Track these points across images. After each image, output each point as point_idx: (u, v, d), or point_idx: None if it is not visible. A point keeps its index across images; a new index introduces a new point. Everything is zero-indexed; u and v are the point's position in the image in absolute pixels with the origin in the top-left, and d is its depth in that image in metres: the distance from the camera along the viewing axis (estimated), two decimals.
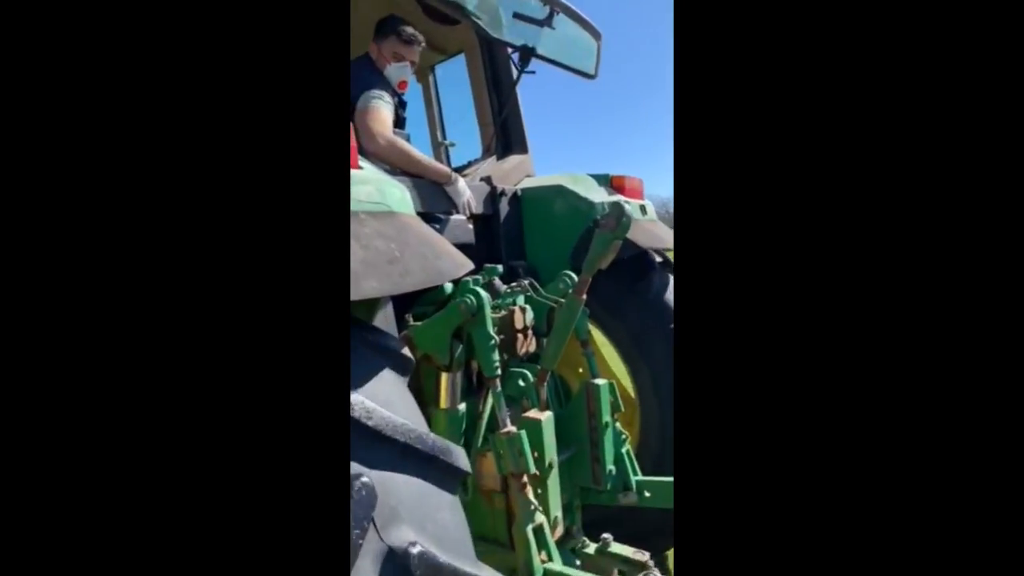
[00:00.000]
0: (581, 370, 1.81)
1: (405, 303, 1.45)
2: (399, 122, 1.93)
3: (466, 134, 2.53)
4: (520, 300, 1.55)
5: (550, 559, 1.23)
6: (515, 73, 2.14)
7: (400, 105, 1.94)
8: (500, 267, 1.59)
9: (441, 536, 0.76)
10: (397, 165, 1.70)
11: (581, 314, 1.47)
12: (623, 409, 1.56)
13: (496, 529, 1.41)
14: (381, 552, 0.67)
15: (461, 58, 2.42)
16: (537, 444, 1.31)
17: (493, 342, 1.27)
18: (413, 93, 2.74)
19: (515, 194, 2.02)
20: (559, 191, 1.96)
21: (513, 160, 2.22)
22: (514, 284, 1.56)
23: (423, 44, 1.94)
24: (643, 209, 2.03)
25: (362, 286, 0.78)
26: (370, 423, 0.73)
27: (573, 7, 1.98)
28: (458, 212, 1.79)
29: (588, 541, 1.53)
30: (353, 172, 0.95)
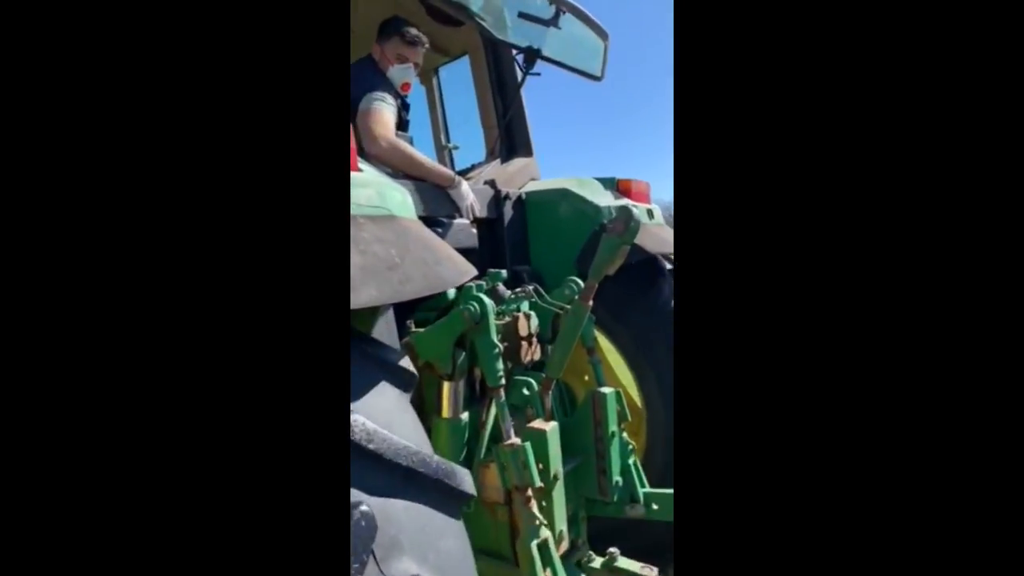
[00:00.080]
0: (587, 378, 1.77)
1: (406, 309, 1.42)
2: (402, 124, 1.91)
3: (470, 137, 2.50)
4: (524, 306, 1.52)
5: None
6: (519, 75, 2.11)
7: (403, 107, 1.91)
8: (504, 272, 1.56)
9: (444, 566, 0.72)
10: (399, 168, 1.67)
11: (587, 321, 1.44)
12: (630, 419, 1.53)
13: (499, 542, 1.36)
14: None
15: (465, 60, 2.39)
16: (542, 456, 1.27)
17: (497, 350, 1.23)
18: (417, 96, 2.73)
19: (519, 198, 1.99)
20: (564, 195, 1.93)
21: (517, 163, 2.19)
22: (518, 290, 1.53)
23: (427, 45, 1.92)
24: (650, 213, 1.99)
25: (360, 294, 0.74)
26: (370, 446, 0.69)
27: (580, 6, 1.94)
28: (461, 216, 1.76)
29: (594, 555, 1.49)
30: (352, 175, 0.91)
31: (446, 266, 0.94)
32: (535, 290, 1.51)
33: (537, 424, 1.32)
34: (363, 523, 0.62)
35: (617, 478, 1.49)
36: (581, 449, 1.50)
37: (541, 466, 1.26)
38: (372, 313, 0.98)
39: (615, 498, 1.48)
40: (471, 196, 1.77)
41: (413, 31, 1.87)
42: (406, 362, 0.89)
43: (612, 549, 1.43)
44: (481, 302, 1.23)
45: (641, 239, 1.45)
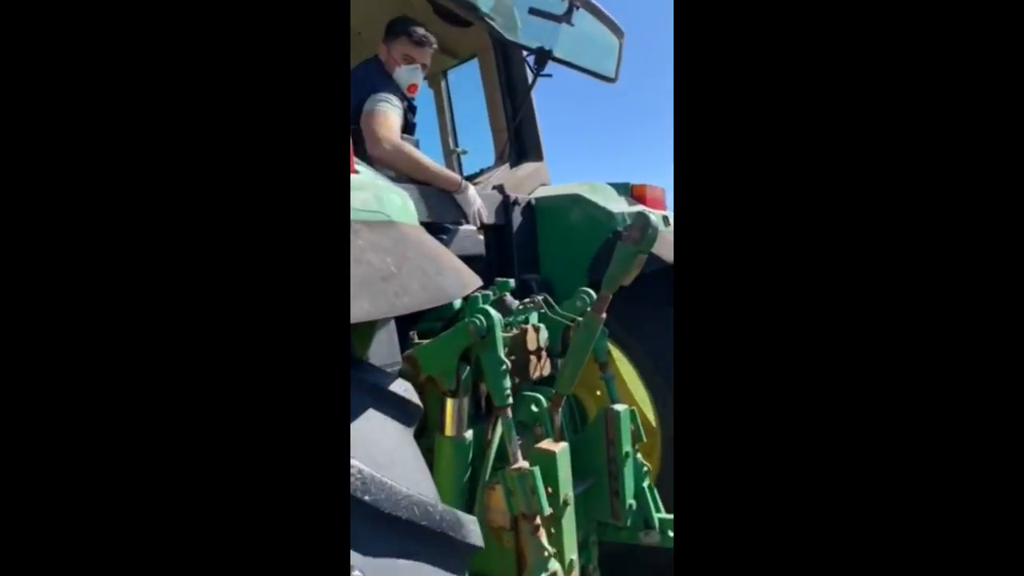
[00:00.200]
0: (599, 393, 1.69)
1: (409, 319, 1.35)
2: (408, 127, 1.84)
3: (479, 142, 2.44)
4: (533, 318, 1.44)
5: None
6: (530, 77, 2.04)
7: (409, 110, 1.85)
8: (512, 281, 1.48)
9: None
10: (404, 171, 1.61)
11: (600, 334, 1.35)
12: (644, 439, 1.44)
13: (504, 570, 1.28)
14: None
15: (474, 63, 2.33)
16: (551, 479, 1.19)
17: (504, 367, 1.16)
18: (426, 100, 2.68)
19: (529, 203, 1.92)
20: (576, 200, 1.86)
21: (527, 168, 2.12)
22: (527, 300, 1.45)
23: (435, 46, 1.86)
24: (666, 220, 1.91)
25: (352, 308, 0.67)
26: (367, 498, 0.62)
27: (594, 2, 1.86)
28: (468, 222, 1.69)
29: None
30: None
31: (448, 276, 0.87)
32: (545, 301, 1.43)
33: (546, 445, 1.24)
34: None
35: (631, 501, 1.40)
36: (592, 470, 1.42)
37: (550, 490, 1.18)
38: (370, 327, 0.91)
39: (628, 522, 1.40)
40: (478, 201, 1.71)
41: (421, 31, 1.81)
42: (409, 392, 0.81)
43: None
44: (487, 315, 1.16)
45: (658, 248, 1.36)
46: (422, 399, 1.39)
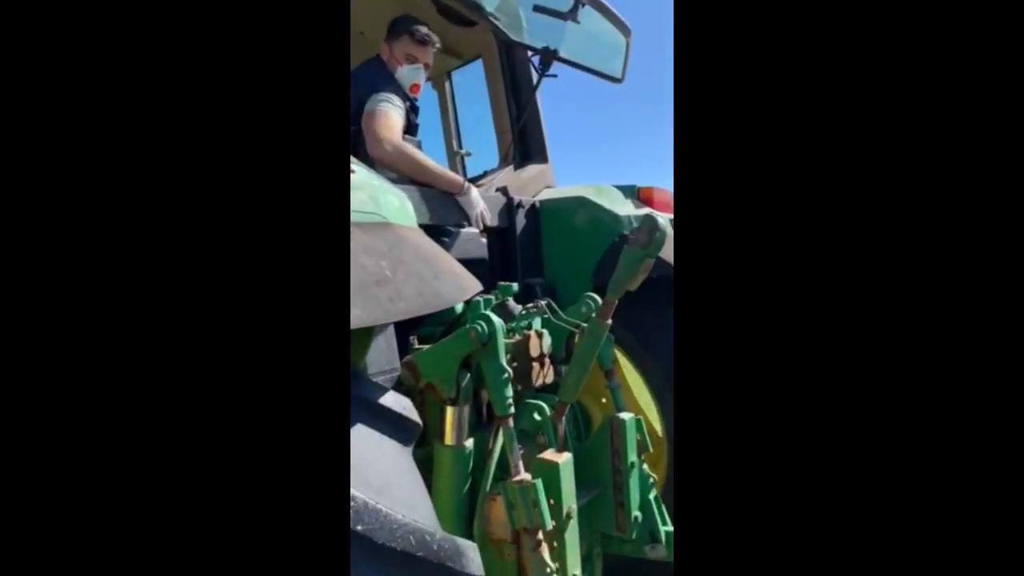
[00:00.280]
0: (605, 400, 1.64)
1: (409, 323, 1.31)
2: (410, 128, 1.81)
3: (484, 144, 2.41)
4: (537, 324, 1.40)
5: None
6: (535, 77, 2.01)
7: (412, 110, 1.82)
8: (515, 286, 1.44)
9: None
10: (405, 173, 1.58)
11: (605, 341, 1.31)
12: (651, 449, 1.39)
13: None
14: None
15: (479, 64, 2.30)
16: (554, 491, 1.15)
17: (506, 375, 1.12)
18: (430, 102, 2.65)
19: (533, 206, 1.88)
20: (581, 203, 1.82)
21: (532, 170, 2.09)
22: (530, 305, 1.41)
23: (438, 45, 1.83)
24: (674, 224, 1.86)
25: None
26: (359, 528, 0.58)
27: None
28: (471, 225, 1.65)
29: None
30: None
31: (445, 281, 0.83)
32: (548, 306, 1.39)
33: (549, 456, 1.20)
34: None
35: (636, 513, 1.36)
36: (597, 480, 1.38)
37: (552, 502, 1.14)
38: (367, 333, 0.88)
39: (633, 535, 1.35)
40: (481, 204, 1.67)
41: (423, 30, 1.78)
42: (408, 409, 0.77)
43: None
44: (489, 321, 1.12)
45: (666, 252, 1.32)
46: (421, 405, 1.37)
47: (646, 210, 1.82)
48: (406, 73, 1.77)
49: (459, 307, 1.35)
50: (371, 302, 0.69)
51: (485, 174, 2.20)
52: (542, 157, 2.15)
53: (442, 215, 1.58)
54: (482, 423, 1.32)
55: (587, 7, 1.77)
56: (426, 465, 1.22)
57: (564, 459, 1.18)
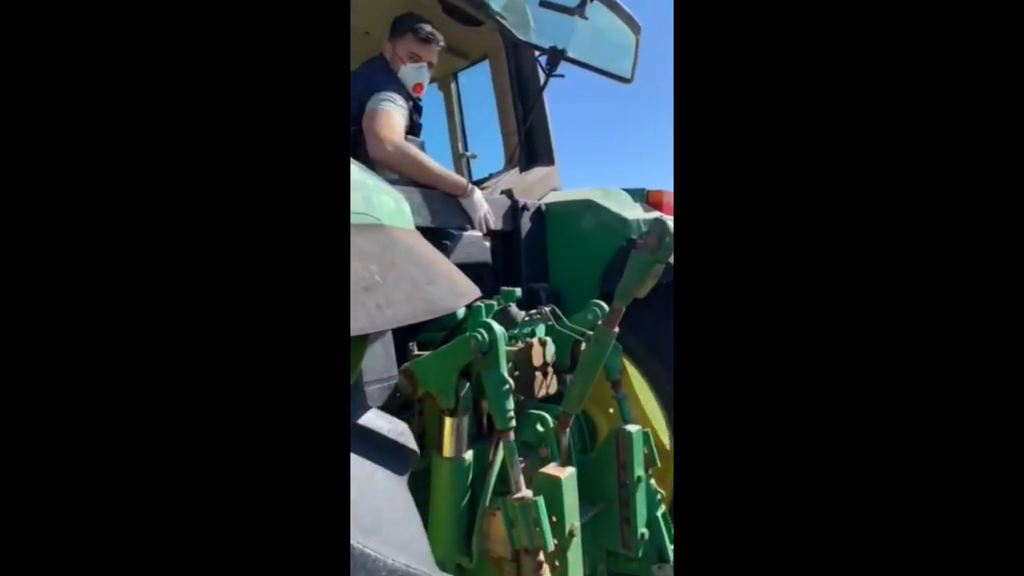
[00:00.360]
0: (612, 411, 1.59)
1: (409, 327, 1.26)
2: (413, 129, 1.77)
3: (491, 147, 2.37)
4: (540, 331, 1.34)
5: None
6: (542, 77, 1.96)
7: (415, 110, 1.78)
8: (518, 291, 1.39)
9: None
10: (406, 174, 1.54)
11: (612, 350, 1.26)
12: (659, 464, 1.33)
13: None
14: None
15: (486, 65, 2.26)
16: (556, 508, 1.10)
17: (507, 386, 1.07)
18: (436, 104, 2.61)
19: (539, 209, 1.83)
20: (588, 206, 1.77)
21: (538, 172, 2.04)
22: (533, 312, 1.36)
23: (442, 43, 1.78)
24: None
25: None
26: None
27: None
28: (474, 228, 1.61)
29: None
30: None
31: (440, 287, 0.78)
32: (552, 312, 1.34)
33: (551, 470, 1.14)
34: None
35: (643, 530, 1.31)
36: (602, 494, 1.33)
37: (555, 519, 1.09)
38: (361, 341, 0.83)
39: (640, 553, 1.30)
40: (485, 206, 1.63)
41: (427, 28, 1.74)
42: (404, 436, 0.71)
43: None
44: (490, 329, 1.07)
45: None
46: (420, 414, 1.32)
47: (655, 214, 1.77)
48: (409, 72, 1.73)
49: (461, 312, 1.30)
50: (357, 309, 0.64)
51: (490, 176, 2.15)
52: (548, 159, 2.10)
53: (444, 218, 1.53)
54: (482, 434, 1.27)
55: (595, 1, 1.72)
56: (424, 477, 1.17)
57: (567, 474, 1.13)
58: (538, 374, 1.27)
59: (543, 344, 1.29)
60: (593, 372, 1.22)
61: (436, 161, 1.61)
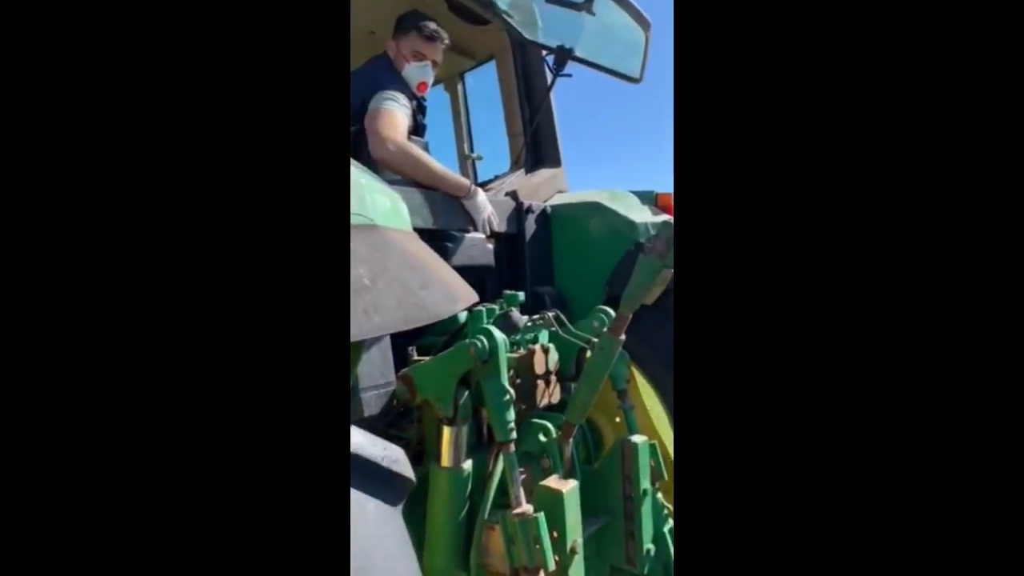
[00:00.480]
0: (619, 419, 1.54)
1: (409, 331, 1.23)
2: (417, 129, 1.74)
3: (499, 149, 2.33)
4: (543, 337, 1.30)
5: None
6: (549, 77, 1.92)
7: (419, 110, 1.74)
8: (521, 295, 1.35)
9: None
10: (408, 174, 1.51)
11: (619, 358, 1.21)
12: (666, 477, 1.28)
13: None
14: None
15: (492, 65, 2.22)
16: (557, 523, 1.05)
17: (508, 397, 1.02)
18: (442, 104, 2.58)
19: (544, 211, 1.80)
20: (595, 208, 1.73)
21: (544, 174, 2.00)
22: (536, 317, 1.31)
23: (446, 41, 1.75)
24: None
25: None
26: None
27: None
28: (477, 230, 1.57)
29: None
30: None
31: (434, 291, 0.74)
32: (556, 318, 1.29)
33: (553, 483, 1.09)
34: None
35: (649, 546, 1.26)
36: (606, 507, 1.28)
37: (556, 534, 1.04)
38: (356, 346, 0.79)
39: (645, 570, 1.25)
40: (488, 208, 1.59)
41: (432, 25, 1.71)
42: (400, 463, 0.66)
43: None
44: (491, 336, 1.03)
45: None
46: (419, 421, 1.28)
47: (664, 217, 1.72)
48: (413, 71, 1.70)
49: (462, 316, 1.27)
50: None
51: (496, 178, 2.12)
52: (555, 160, 2.06)
53: (446, 219, 1.50)
54: (482, 443, 1.23)
55: None
56: (421, 486, 1.14)
57: (569, 488, 1.08)
58: (540, 382, 1.23)
59: (545, 351, 1.25)
60: (598, 381, 1.17)
61: (439, 162, 1.58)
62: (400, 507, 0.65)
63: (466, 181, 1.58)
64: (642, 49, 1.81)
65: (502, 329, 1.12)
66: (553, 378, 1.27)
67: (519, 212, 1.72)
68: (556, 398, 1.28)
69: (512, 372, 1.13)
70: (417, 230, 1.09)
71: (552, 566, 0.99)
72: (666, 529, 1.28)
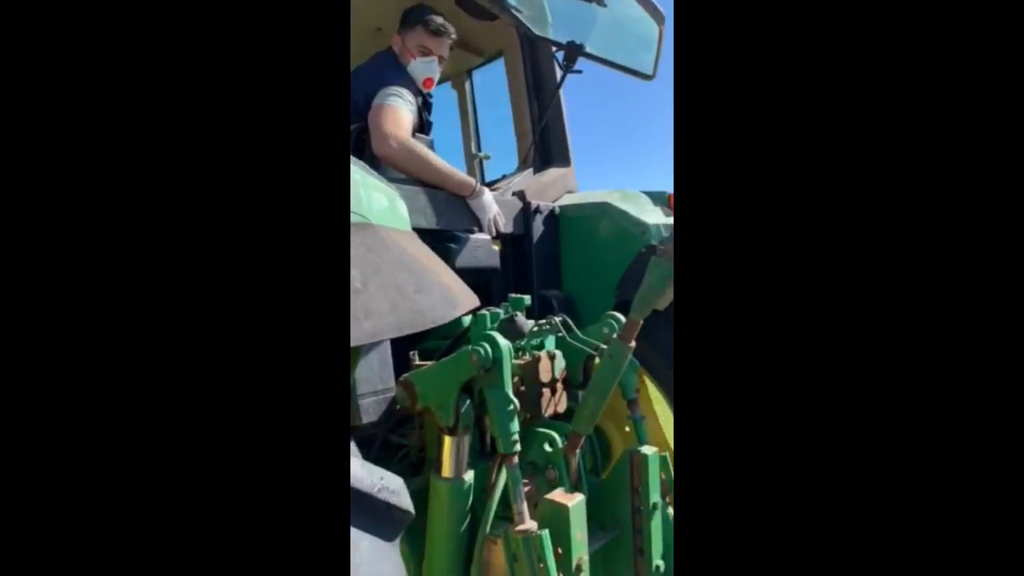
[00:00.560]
0: (628, 429, 1.49)
1: (410, 335, 1.19)
2: (422, 126, 1.69)
3: (506, 148, 2.28)
4: (550, 343, 1.25)
5: None
6: (559, 74, 1.87)
7: (424, 106, 1.70)
8: (527, 298, 1.30)
9: None
10: (412, 172, 1.46)
11: (628, 366, 1.16)
12: None
13: None
14: None
15: (501, 62, 2.17)
16: (563, 539, 1.01)
17: (511, 407, 0.98)
18: (449, 104, 2.54)
19: (552, 212, 1.75)
20: (605, 210, 1.67)
21: (552, 173, 1.94)
22: (543, 321, 1.26)
23: (453, 36, 1.71)
24: None
25: None
26: None
27: None
28: (482, 230, 1.52)
29: None
30: None
31: (430, 295, 0.69)
32: (563, 323, 1.24)
33: (558, 497, 1.05)
34: None
35: (658, 562, 1.21)
36: (614, 521, 1.23)
37: (561, 551, 0.99)
38: (354, 349, 0.75)
39: None
40: (494, 208, 1.54)
41: (438, 20, 1.66)
42: (398, 494, 0.61)
43: None
44: (494, 343, 0.98)
45: None
46: (421, 427, 1.24)
47: None
48: (419, 66, 1.66)
49: (466, 319, 1.22)
50: None
51: (503, 178, 2.07)
52: (564, 160, 2.01)
53: (450, 219, 1.45)
54: (485, 452, 1.18)
55: None
56: (422, 497, 1.09)
57: (575, 502, 1.03)
58: (546, 390, 1.18)
59: (552, 358, 1.20)
60: (607, 390, 1.12)
61: (445, 160, 1.54)
62: (396, 540, 0.60)
63: (471, 180, 1.54)
64: (656, 44, 1.75)
65: (507, 334, 1.07)
66: (560, 386, 1.22)
67: (526, 212, 1.68)
68: (563, 407, 1.23)
69: (517, 379, 1.09)
70: (419, 230, 1.04)
71: None
72: None
